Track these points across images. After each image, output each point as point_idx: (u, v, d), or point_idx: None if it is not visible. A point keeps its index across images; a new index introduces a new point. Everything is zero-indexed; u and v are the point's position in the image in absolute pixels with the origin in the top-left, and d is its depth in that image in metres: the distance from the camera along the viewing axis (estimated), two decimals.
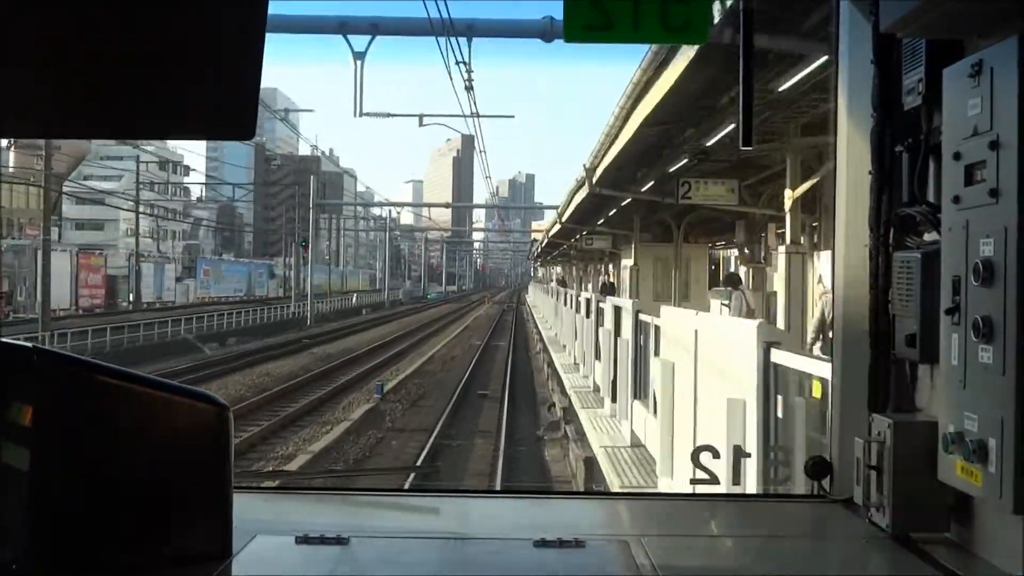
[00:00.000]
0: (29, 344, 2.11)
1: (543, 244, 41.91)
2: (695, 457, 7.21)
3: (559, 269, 67.78)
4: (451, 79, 15.22)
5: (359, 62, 14.32)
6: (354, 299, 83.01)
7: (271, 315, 55.00)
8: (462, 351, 38.36)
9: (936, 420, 2.40)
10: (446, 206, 65.90)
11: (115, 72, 1.58)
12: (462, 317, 67.34)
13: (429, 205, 62.11)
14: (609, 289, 27.23)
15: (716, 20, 6.08)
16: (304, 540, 2.38)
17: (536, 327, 48.82)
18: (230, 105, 1.62)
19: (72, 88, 1.61)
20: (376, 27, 13.38)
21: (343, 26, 13.31)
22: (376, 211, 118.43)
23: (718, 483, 7.12)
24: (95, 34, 1.52)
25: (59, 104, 1.67)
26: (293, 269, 62.41)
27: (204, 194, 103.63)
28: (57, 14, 1.47)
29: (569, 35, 2.96)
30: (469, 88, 15.51)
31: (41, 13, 1.47)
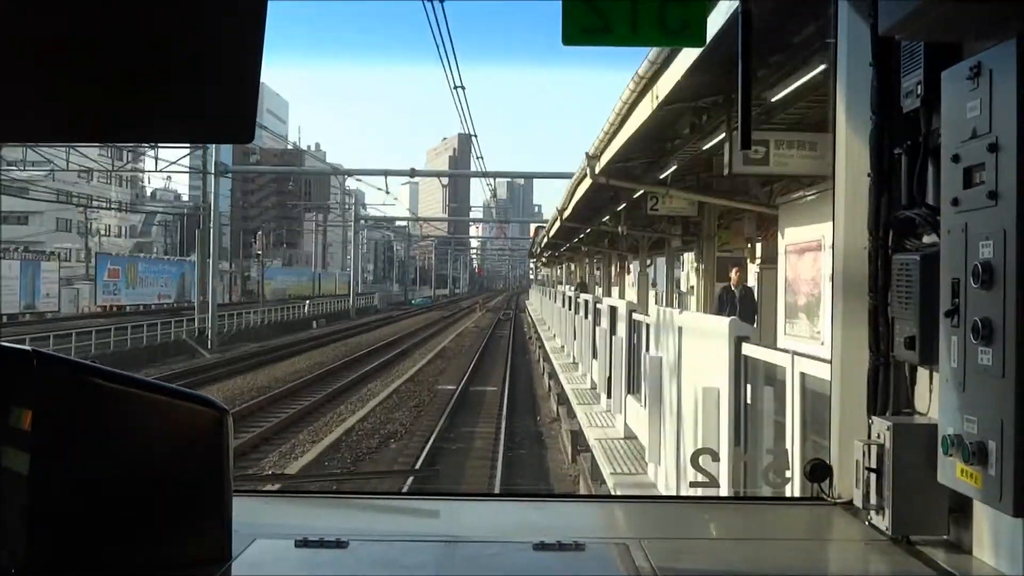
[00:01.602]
0: (29, 348, 2.10)
1: (564, 214, 24.72)
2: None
3: (572, 268, 50.32)
4: (447, 78, 14.84)
5: None
6: (306, 307, 65.85)
7: (171, 332, 40.26)
8: (408, 417, 20.94)
9: (935, 423, 2.40)
10: (411, 174, 45.36)
11: (114, 76, 1.57)
12: (444, 331, 51.79)
13: (388, 173, 44.85)
14: (740, 302, 13.98)
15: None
16: (303, 543, 2.38)
17: (544, 355, 30.80)
18: (229, 108, 1.62)
19: (70, 92, 1.60)
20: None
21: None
22: (375, 212, 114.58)
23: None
24: (94, 38, 1.52)
25: (56, 107, 1.66)
26: (198, 270, 44.69)
27: (187, 188, 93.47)
28: (56, 17, 1.46)
29: (567, 38, 2.94)
30: (460, 87, 15.22)
31: (40, 16, 1.47)
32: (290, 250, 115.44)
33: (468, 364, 32.81)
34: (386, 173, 38.35)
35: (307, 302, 69.06)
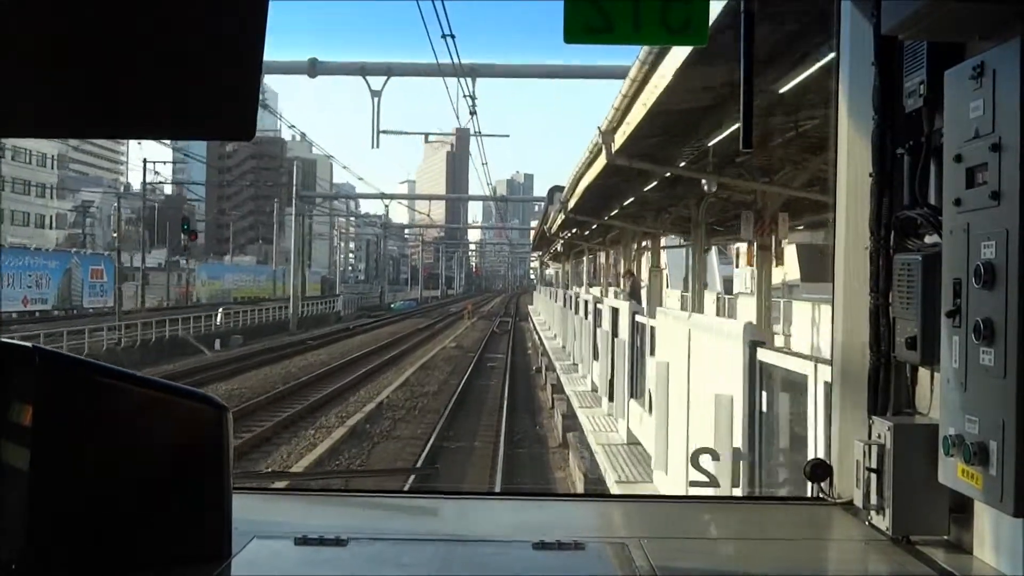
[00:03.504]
0: (29, 344, 2.10)
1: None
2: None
3: (609, 258, 33.70)
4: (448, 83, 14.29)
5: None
6: (217, 317, 45.73)
7: None
8: None
9: (936, 423, 2.39)
10: (310, 73, 22.38)
11: (116, 72, 1.58)
12: (408, 355, 35.81)
13: (283, 70, 22.83)
14: None
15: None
16: (303, 541, 2.37)
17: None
18: (230, 105, 1.62)
19: (72, 87, 1.60)
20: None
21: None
22: (369, 209, 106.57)
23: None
24: (95, 34, 1.52)
25: (59, 103, 1.66)
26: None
27: (173, 178, 79.38)
28: (60, 14, 1.47)
29: (569, 36, 2.94)
30: (471, 97, 14.65)
31: (43, 13, 1.47)
32: (266, 246, 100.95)
33: (422, 448, 16.61)
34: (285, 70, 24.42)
35: (219, 311, 47.84)
